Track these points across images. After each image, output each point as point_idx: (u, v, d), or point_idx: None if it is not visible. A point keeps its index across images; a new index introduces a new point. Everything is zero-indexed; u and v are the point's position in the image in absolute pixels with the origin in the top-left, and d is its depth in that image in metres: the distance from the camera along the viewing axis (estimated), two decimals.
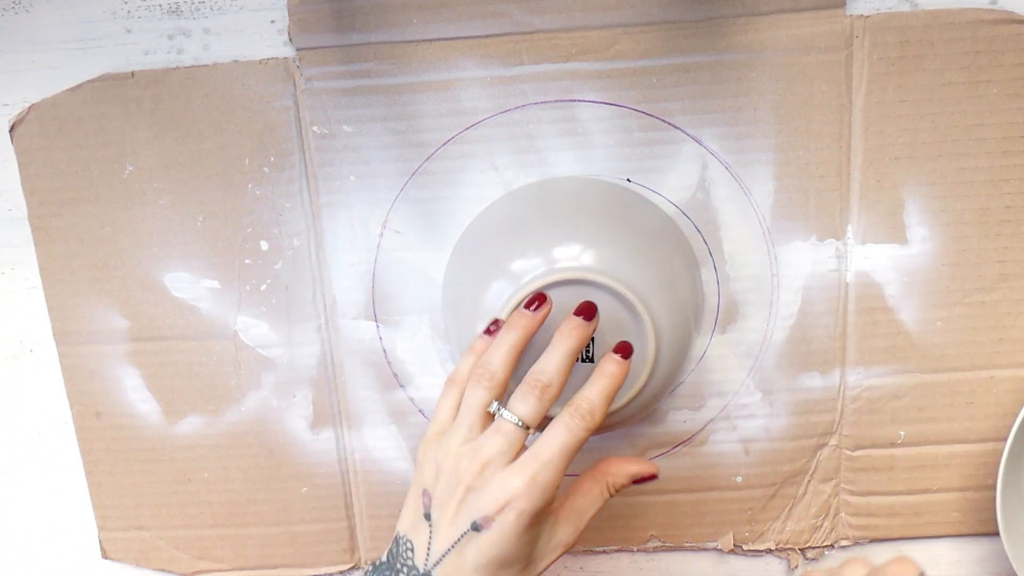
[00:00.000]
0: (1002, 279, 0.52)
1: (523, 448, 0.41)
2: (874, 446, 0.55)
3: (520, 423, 0.41)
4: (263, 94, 0.51)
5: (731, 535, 0.57)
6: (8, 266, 0.55)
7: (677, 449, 0.55)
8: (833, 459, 0.55)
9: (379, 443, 0.56)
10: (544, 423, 0.42)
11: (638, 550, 0.58)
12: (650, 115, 0.50)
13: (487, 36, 0.50)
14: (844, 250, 0.52)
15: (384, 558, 0.43)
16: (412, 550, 0.42)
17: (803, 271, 0.52)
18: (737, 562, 0.58)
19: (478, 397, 0.42)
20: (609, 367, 0.43)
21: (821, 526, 0.56)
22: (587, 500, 0.44)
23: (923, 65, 0.49)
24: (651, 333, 0.46)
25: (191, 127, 0.52)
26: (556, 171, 0.52)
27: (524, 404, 0.41)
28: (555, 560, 0.43)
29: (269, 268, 0.54)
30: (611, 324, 0.46)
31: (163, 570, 0.59)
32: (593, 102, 0.50)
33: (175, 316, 0.54)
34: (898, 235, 0.52)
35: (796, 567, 0.57)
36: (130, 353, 0.55)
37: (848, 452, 0.55)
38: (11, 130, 0.52)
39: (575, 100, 0.50)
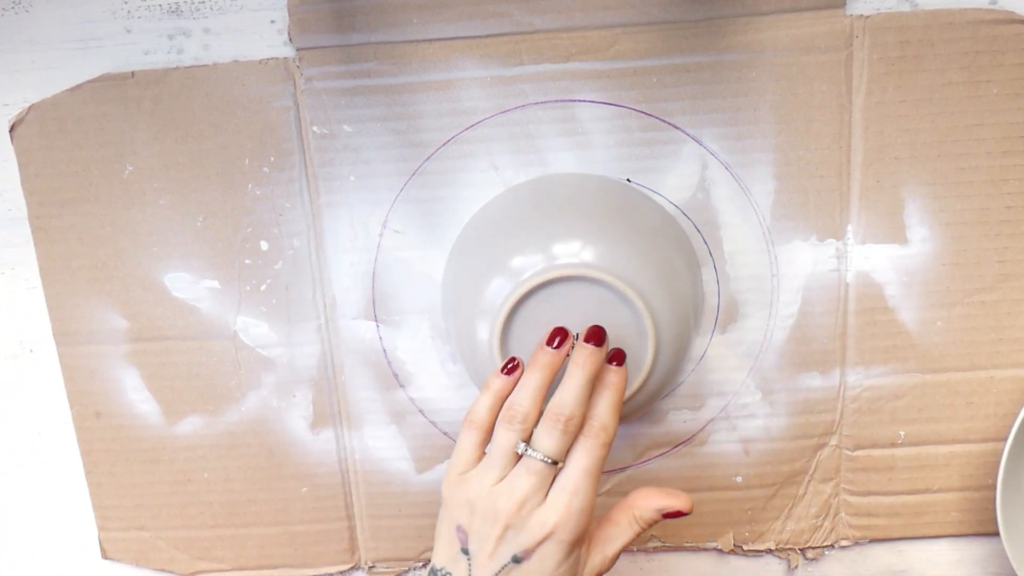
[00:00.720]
0: (1002, 279, 0.52)
1: (553, 479, 0.43)
2: (874, 446, 0.55)
3: (548, 460, 0.42)
4: (263, 94, 0.51)
5: (731, 535, 0.57)
6: (8, 266, 0.55)
7: (677, 449, 0.55)
8: (833, 459, 0.55)
9: (379, 443, 0.56)
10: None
11: (638, 550, 0.58)
12: (650, 115, 0.50)
13: (487, 36, 0.50)
14: (844, 250, 0.52)
15: None
16: None
17: (803, 271, 0.52)
18: (737, 562, 0.58)
19: (510, 440, 0.43)
20: (610, 378, 0.45)
21: (821, 526, 0.56)
22: (616, 530, 0.46)
23: (923, 65, 0.49)
24: (651, 330, 0.46)
25: (191, 127, 0.52)
26: (556, 171, 0.52)
27: (550, 440, 0.42)
28: None
29: (269, 268, 0.54)
30: (611, 321, 0.46)
31: (163, 570, 0.59)
32: (593, 102, 0.50)
33: (175, 316, 0.54)
34: (898, 235, 0.52)
35: (796, 567, 0.57)
36: (130, 353, 0.55)
37: (848, 452, 0.55)
38: (11, 130, 0.52)
39: (575, 100, 0.50)
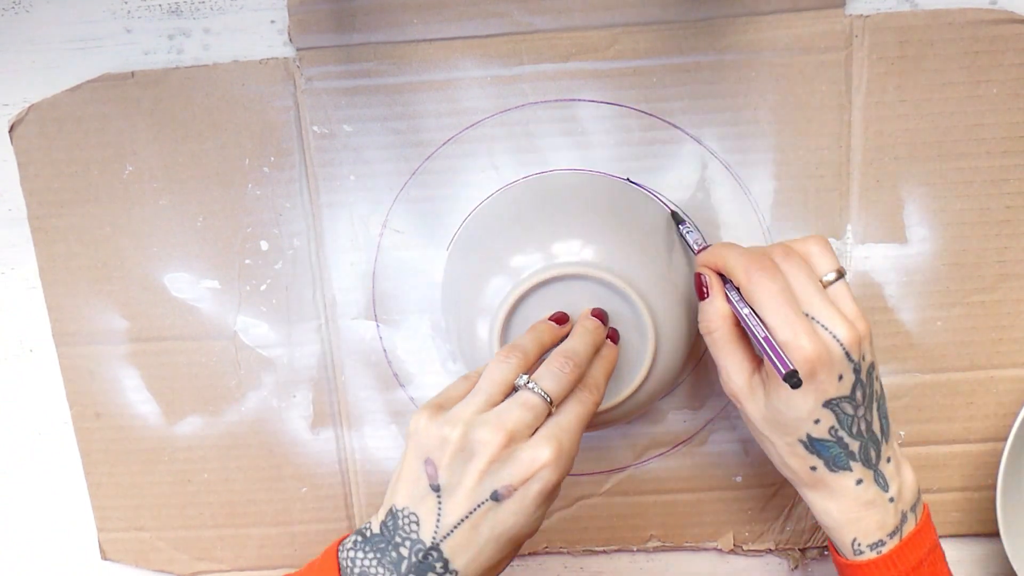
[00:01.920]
0: (1002, 279, 0.52)
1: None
2: None
3: (547, 397, 0.40)
4: (263, 94, 0.51)
5: (731, 535, 0.57)
6: (8, 266, 0.55)
7: (677, 449, 0.55)
8: None
9: (379, 443, 0.56)
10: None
11: (638, 550, 0.58)
12: (650, 115, 0.50)
13: (487, 36, 0.50)
14: (844, 250, 0.52)
15: (376, 530, 0.41)
16: (417, 523, 0.40)
17: None
18: (737, 562, 0.58)
19: (504, 371, 0.42)
20: (605, 351, 0.45)
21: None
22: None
23: (923, 65, 0.49)
24: (651, 329, 0.46)
25: (191, 127, 0.52)
26: (556, 170, 0.52)
27: (553, 380, 0.41)
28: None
29: (269, 268, 0.54)
30: (612, 319, 0.46)
31: (163, 571, 0.59)
32: (593, 102, 0.50)
33: (175, 316, 0.54)
34: (898, 235, 0.52)
35: (796, 567, 0.57)
36: (130, 353, 0.55)
37: None
38: (11, 130, 0.52)
39: (575, 100, 0.50)
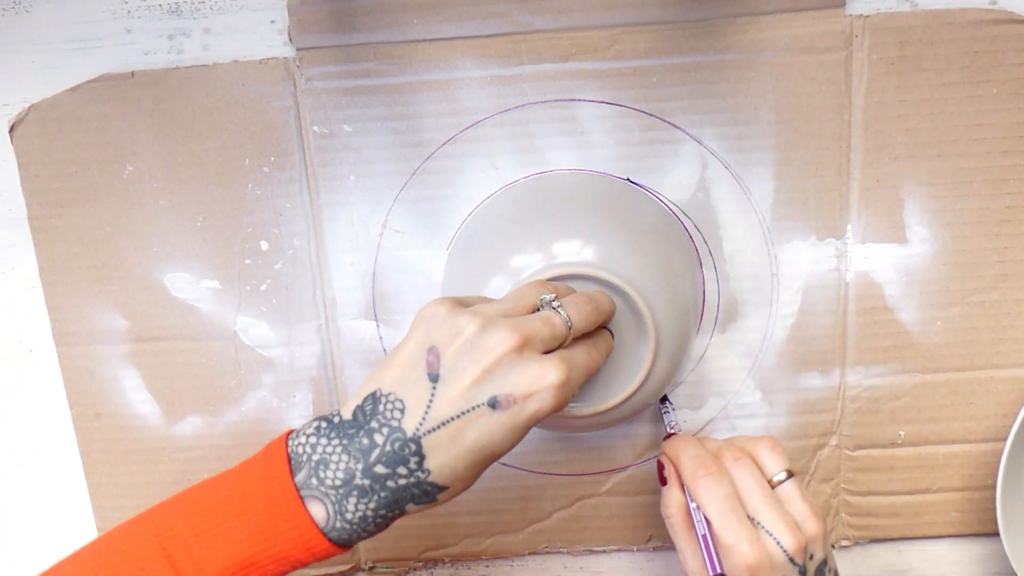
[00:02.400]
0: (1002, 279, 0.52)
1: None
2: (874, 446, 0.55)
3: (569, 323, 0.40)
4: (263, 94, 0.51)
5: None
6: (8, 266, 0.55)
7: None
8: (833, 459, 0.55)
9: None
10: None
11: (638, 550, 0.58)
12: (650, 115, 0.50)
13: (487, 36, 0.50)
14: (844, 250, 0.52)
15: (348, 415, 0.39)
16: (402, 411, 0.38)
17: (803, 271, 0.52)
18: None
19: (534, 289, 0.42)
20: (607, 336, 0.45)
21: None
22: None
23: (923, 65, 0.49)
24: (651, 328, 0.46)
25: (191, 127, 0.52)
26: (556, 170, 0.52)
27: (577, 311, 0.41)
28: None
29: (269, 268, 0.54)
30: (612, 318, 0.46)
31: None
32: (593, 102, 0.50)
33: (175, 316, 0.54)
34: (898, 235, 0.52)
35: None
36: (130, 353, 0.55)
37: (848, 452, 0.55)
38: (11, 130, 0.52)
39: (575, 100, 0.50)
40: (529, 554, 0.58)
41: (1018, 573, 0.52)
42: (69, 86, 0.51)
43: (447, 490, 0.39)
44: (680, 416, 0.55)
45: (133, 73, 0.51)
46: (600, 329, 0.45)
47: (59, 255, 0.54)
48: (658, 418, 0.55)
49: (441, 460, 0.38)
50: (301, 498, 0.38)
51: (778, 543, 0.42)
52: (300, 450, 0.39)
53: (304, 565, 0.39)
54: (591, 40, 0.50)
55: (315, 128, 0.51)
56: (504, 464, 0.56)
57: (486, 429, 0.38)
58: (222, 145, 0.52)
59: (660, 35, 0.49)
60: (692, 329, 0.50)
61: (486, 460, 0.39)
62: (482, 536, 0.57)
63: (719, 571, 0.43)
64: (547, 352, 0.39)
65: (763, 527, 0.43)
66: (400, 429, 0.38)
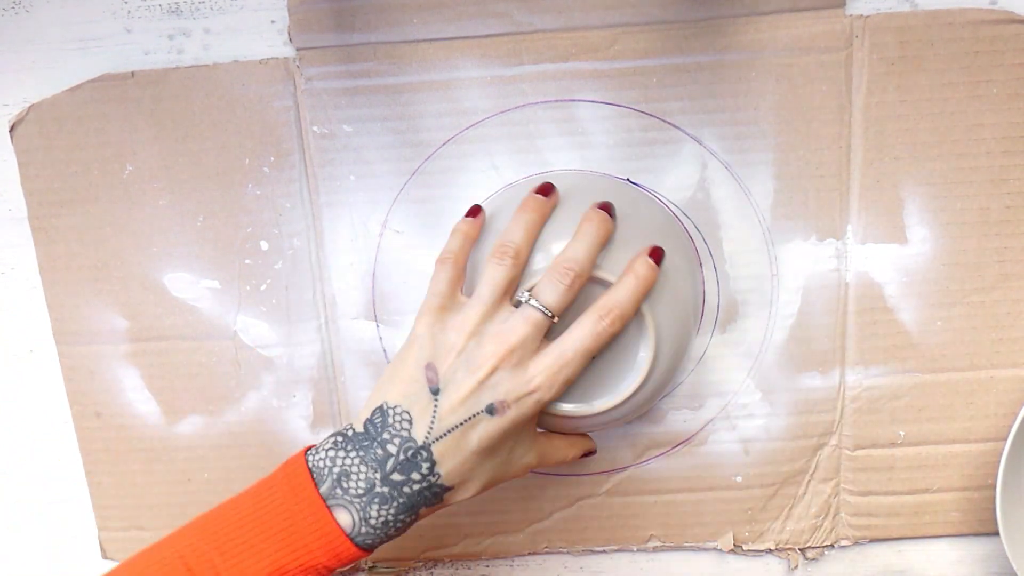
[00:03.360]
0: (1002, 279, 0.52)
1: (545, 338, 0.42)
2: (874, 446, 0.55)
3: (548, 313, 0.41)
4: (263, 94, 0.51)
5: (731, 535, 0.57)
6: (8, 266, 0.55)
7: (677, 449, 0.55)
8: (833, 459, 0.55)
9: None
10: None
11: (638, 550, 0.58)
12: (650, 115, 0.50)
13: (487, 36, 0.50)
14: (844, 250, 0.52)
15: (360, 428, 0.42)
16: (410, 421, 0.41)
17: (803, 271, 0.52)
18: (737, 562, 0.58)
19: (502, 274, 0.42)
20: (642, 270, 0.43)
21: (821, 526, 0.56)
22: (563, 446, 0.47)
23: (923, 65, 0.49)
24: (651, 329, 0.46)
25: (191, 127, 0.52)
26: (555, 170, 0.52)
27: (553, 293, 0.41)
28: (517, 476, 0.45)
29: (269, 268, 0.54)
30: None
31: None
32: (593, 102, 0.50)
33: (175, 316, 0.54)
34: (898, 235, 0.52)
35: (796, 567, 0.57)
36: (130, 353, 0.55)
37: (848, 452, 0.55)
38: (11, 130, 0.52)
39: (575, 100, 0.50)
40: (529, 554, 0.58)
41: (1018, 573, 0.52)
42: (69, 86, 0.51)
43: (453, 490, 0.43)
44: (680, 416, 0.55)
45: (133, 73, 0.51)
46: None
47: (59, 255, 0.54)
48: (658, 418, 0.55)
49: (450, 465, 0.41)
50: (328, 508, 0.41)
51: None
52: (321, 464, 0.42)
53: (330, 572, 0.42)
54: (591, 40, 0.50)
55: (315, 128, 0.51)
56: None
57: (488, 431, 0.41)
58: (222, 145, 0.52)
59: (660, 35, 0.49)
60: (692, 330, 0.50)
61: (491, 457, 0.42)
62: (482, 536, 0.57)
63: None
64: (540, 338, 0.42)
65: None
66: (411, 438, 0.41)
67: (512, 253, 0.42)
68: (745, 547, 0.57)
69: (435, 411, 0.41)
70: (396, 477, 0.41)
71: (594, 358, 0.44)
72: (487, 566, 0.58)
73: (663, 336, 0.46)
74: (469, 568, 0.58)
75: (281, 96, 0.51)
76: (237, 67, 0.51)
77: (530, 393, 0.41)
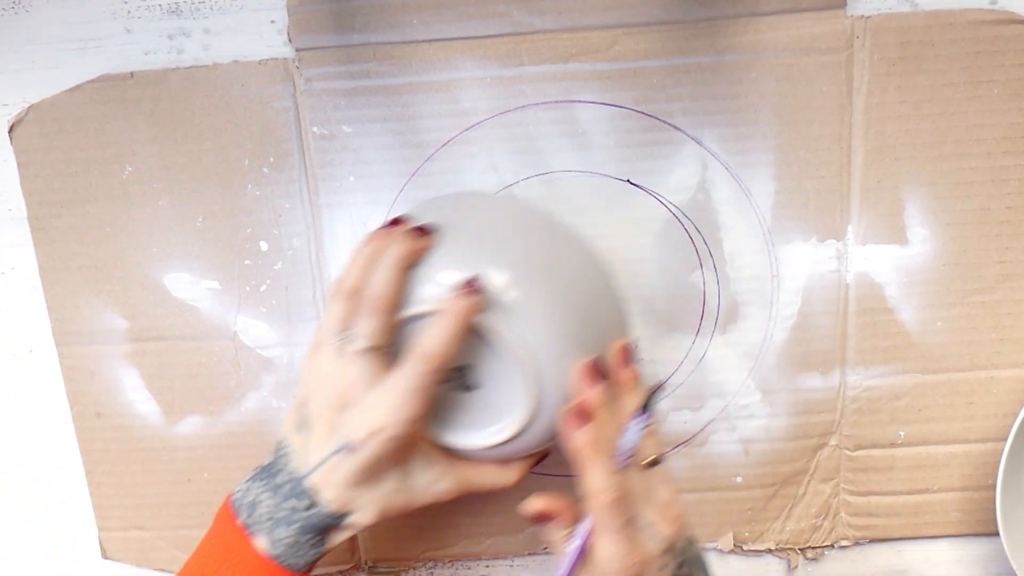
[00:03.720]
0: (1002, 279, 0.52)
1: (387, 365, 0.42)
2: (874, 446, 0.55)
3: (368, 346, 0.41)
4: (263, 94, 0.51)
5: (731, 535, 0.57)
6: (8, 266, 0.55)
7: (677, 449, 0.55)
8: (833, 459, 0.55)
9: None
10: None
11: None
12: (650, 116, 0.50)
13: (487, 36, 0.50)
14: (844, 250, 0.52)
15: (269, 460, 0.45)
16: (288, 456, 0.44)
17: (803, 271, 0.52)
18: (737, 562, 0.58)
19: (335, 314, 0.42)
20: (453, 305, 0.40)
21: (821, 526, 0.56)
22: (492, 471, 0.46)
23: (924, 66, 0.49)
24: (526, 361, 0.41)
25: (191, 127, 0.52)
26: (556, 172, 0.52)
27: (365, 326, 0.42)
28: (434, 501, 0.45)
29: (269, 268, 0.54)
30: (490, 359, 0.43)
31: (163, 570, 0.59)
32: (593, 103, 0.50)
33: (175, 316, 0.54)
34: (898, 235, 0.52)
35: (796, 567, 0.57)
36: (130, 353, 0.55)
37: (848, 452, 0.55)
38: (10, 130, 0.52)
39: (575, 101, 0.50)
40: (529, 554, 0.58)
41: (1018, 573, 0.53)
42: (69, 86, 0.51)
43: (346, 516, 0.43)
44: (680, 417, 0.55)
45: (133, 73, 0.51)
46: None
47: (59, 255, 0.54)
48: (659, 420, 0.55)
49: (330, 495, 0.42)
50: (249, 534, 0.43)
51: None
52: (239, 496, 0.44)
53: None
54: (591, 41, 0.49)
55: (315, 129, 0.51)
56: None
57: (352, 467, 0.42)
58: (222, 146, 0.52)
59: (660, 36, 0.49)
60: (603, 344, 0.43)
61: (368, 486, 0.43)
62: (482, 536, 0.57)
63: None
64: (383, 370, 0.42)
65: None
66: (293, 471, 0.43)
67: (346, 293, 0.42)
68: (745, 547, 0.57)
69: (307, 447, 0.43)
70: (289, 504, 0.43)
71: (472, 389, 0.43)
72: (487, 566, 0.58)
73: (543, 363, 0.41)
74: (469, 568, 0.58)
75: (281, 97, 0.51)
76: (237, 67, 0.51)
77: (377, 432, 0.40)
